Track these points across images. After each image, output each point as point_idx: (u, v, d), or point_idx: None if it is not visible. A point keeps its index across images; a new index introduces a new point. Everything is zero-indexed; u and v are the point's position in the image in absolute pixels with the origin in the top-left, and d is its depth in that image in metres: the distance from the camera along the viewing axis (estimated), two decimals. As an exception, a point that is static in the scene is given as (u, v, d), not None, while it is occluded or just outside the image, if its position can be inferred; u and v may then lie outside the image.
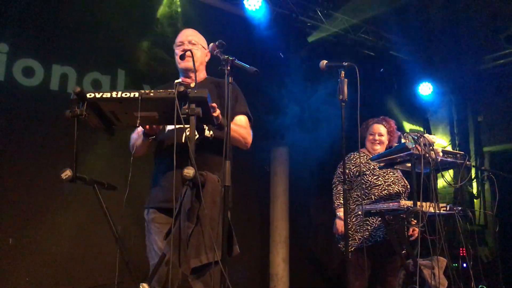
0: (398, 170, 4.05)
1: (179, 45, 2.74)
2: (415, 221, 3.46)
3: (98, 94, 2.18)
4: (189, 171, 2.00)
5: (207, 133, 2.59)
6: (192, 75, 2.65)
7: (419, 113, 8.21)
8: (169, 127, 2.61)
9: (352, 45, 7.07)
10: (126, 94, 2.16)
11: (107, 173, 4.27)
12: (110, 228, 2.24)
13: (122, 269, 2.22)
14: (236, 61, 2.22)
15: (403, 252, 3.60)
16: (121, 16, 5.14)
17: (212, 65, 2.67)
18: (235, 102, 2.61)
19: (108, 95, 2.17)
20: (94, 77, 5.18)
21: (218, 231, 2.19)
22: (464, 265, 5.01)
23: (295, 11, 6.24)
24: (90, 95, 2.16)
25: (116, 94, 2.17)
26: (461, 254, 5.54)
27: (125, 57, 5.32)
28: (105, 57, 5.21)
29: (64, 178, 2.05)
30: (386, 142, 4.13)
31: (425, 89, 7.97)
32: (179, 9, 5.56)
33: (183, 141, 2.45)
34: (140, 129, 2.58)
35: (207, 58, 2.81)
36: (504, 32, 7.36)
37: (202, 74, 2.79)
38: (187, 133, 2.10)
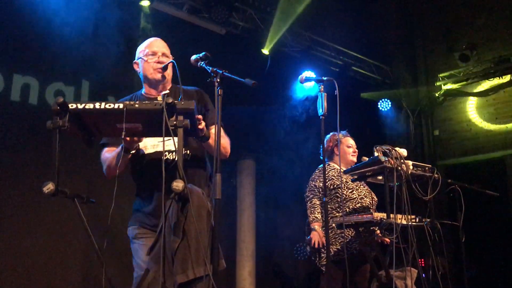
0: (364, 183, 4.13)
1: (152, 55, 2.63)
2: (386, 233, 3.54)
3: (81, 105, 2.11)
4: (179, 184, 1.96)
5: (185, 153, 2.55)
6: (161, 87, 2.63)
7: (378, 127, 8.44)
8: (147, 144, 2.56)
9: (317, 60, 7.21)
10: (110, 106, 2.10)
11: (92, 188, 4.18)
12: (91, 244, 2.15)
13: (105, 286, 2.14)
14: (226, 73, 2.21)
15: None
16: (86, 26, 5.03)
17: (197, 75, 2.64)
18: (207, 111, 2.58)
19: (91, 106, 2.10)
20: (57, 88, 5.01)
21: (205, 245, 2.16)
22: (423, 275, 5.17)
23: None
24: (72, 105, 2.09)
25: (100, 106, 2.11)
26: (420, 264, 5.71)
27: (89, 67, 5.18)
28: (69, 67, 5.05)
29: (46, 192, 1.96)
30: None
31: (384, 105, 8.26)
32: (145, 22, 5.50)
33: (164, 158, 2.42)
34: (111, 148, 2.54)
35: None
36: (458, 51, 7.73)
37: (168, 84, 2.71)
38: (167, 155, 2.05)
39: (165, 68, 2.57)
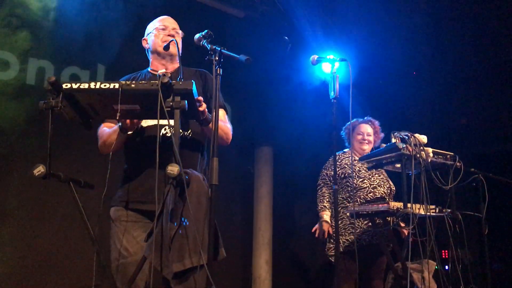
0: (383, 171, 3.98)
1: (163, 29, 2.62)
2: (404, 223, 3.39)
3: (75, 84, 2.03)
4: (173, 169, 1.85)
5: (185, 132, 2.46)
6: (169, 63, 2.58)
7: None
8: (145, 123, 2.46)
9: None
10: (105, 85, 2.02)
11: (85, 171, 4.08)
12: (87, 229, 2.09)
13: (99, 273, 2.06)
14: (224, 50, 2.09)
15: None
16: (103, 9, 4.96)
17: (197, 56, 2.55)
18: (211, 96, 2.43)
19: (86, 86, 2.02)
20: (72, 72, 4.97)
21: (204, 233, 2.06)
22: (446, 267, 4.98)
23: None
24: (66, 85, 2.01)
25: (95, 85, 2.02)
26: (444, 256, 5.51)
27: (104, 51, 5.12)
28: (84, 51, 5.00)
29: (36, 174, 1.89)
30: (373, 143, 4.07)
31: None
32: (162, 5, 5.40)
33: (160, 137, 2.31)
34: (111, 122, 2.45)
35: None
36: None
37: (176, 65, 2.65)
38: (167, 129, 1.96)
39: (167, 47, 2.51)
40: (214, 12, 5.79)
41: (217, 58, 2.10)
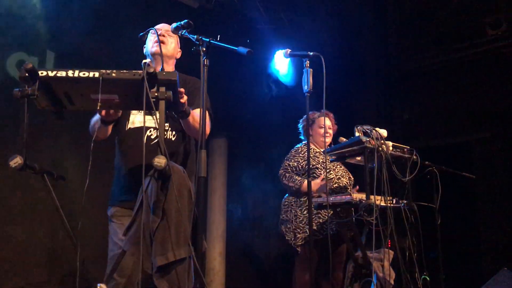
0: (341, 163, 4.08)
1: (154, 34, 2.62)
2: (365, 214, 3.50)
3: (52, 72, 1.93)
4: (161, 161, 1.82)
5: (169, 134, 2.50)
6: (163, 65, 2.53)
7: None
8: (135, 120, 2.47)
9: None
10: (84, 74, 1.93)
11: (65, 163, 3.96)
12: (62, 223, 2.00)
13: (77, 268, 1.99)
14: (215, 42, 2.07)
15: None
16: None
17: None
18: (198, 96, 2.49)
19: (64, 74, 1.93)
20: (19, 58, 4.70)
21: (186, 226, 2.04)
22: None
23: None
24: (42, 73, 1.91)
25: (73, 73, 1.93)
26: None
27: (55, 37, 4.88)
28: (32, 36, 4.74)
29: (13, 166, 1.79)
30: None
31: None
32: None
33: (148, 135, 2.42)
34: None
35: (178, 55, 2.73)
36: (432, 34, 7.73)
37: (170, 68, 2.67)
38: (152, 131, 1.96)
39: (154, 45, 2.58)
40: (167, 1, 5.69)
41: (204, 49, 2.07)
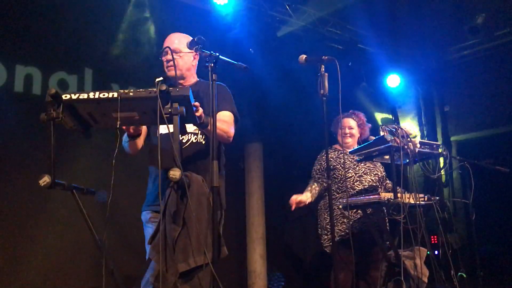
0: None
1: (163, 54, 2.72)
2: (394, 213, 3.48)
3: (74, 95, 2.08)
4: (175, 173, 1.93)
5: (200, 138, 2.60)
6: (180, 83, 2.68)
7: (388, 105, 8.29)
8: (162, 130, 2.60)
9: (321, 39, 7.05)
10: (104, 95, 2.07)
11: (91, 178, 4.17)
12: (92, 235, 2.15)
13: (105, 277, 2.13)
14: (221, 57, 2.16)
15: (387, 243, 3.62)
16: (87, 13, 4.97)
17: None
18: (221, 100, 2.58)
19: (85, 96, 2.08)
20: (60, 77, 4.98)
21: (206, 233, 2.14)
22: (436, 252, 5.12)
23: (264, 6, 6.18)
24: (66, 96, 2.07)
25: (94, 95, 2.08)
26: (432, 242, 5.64)
27: (91, 55, 5.14)
28: (71, 56, 5.01)
29: (42, 185, 1.95)
30: (357, 135, 4.18)
31: (393, 81, 8.02)
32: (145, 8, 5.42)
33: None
34: None
35: (195, 62, 2.78)
36: (468, 24, 7.51)
37: (192, 79, 2.78)
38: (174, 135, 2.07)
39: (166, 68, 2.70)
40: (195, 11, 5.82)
41: (212, 65, 2.17)
